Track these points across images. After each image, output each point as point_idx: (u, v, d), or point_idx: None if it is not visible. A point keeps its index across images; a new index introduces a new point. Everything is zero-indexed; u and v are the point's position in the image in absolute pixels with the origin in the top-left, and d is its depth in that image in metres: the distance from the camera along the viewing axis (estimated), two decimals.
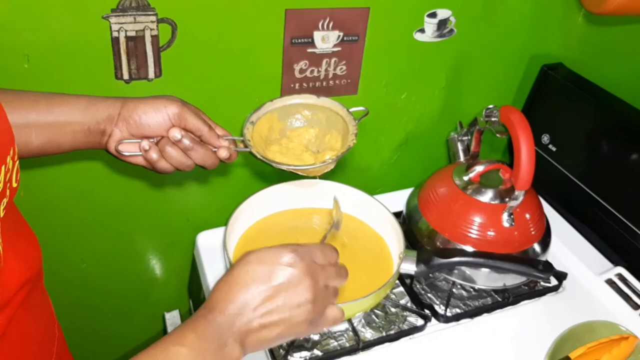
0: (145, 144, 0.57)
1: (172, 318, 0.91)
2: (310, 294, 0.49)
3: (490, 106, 0.80)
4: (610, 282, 0.84)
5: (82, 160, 0.77)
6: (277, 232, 0.83)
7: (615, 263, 0.87)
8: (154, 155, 0.58)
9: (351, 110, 0.69)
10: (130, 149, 0.58)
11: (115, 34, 0.68)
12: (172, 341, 0.44)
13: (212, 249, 0.86)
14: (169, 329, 0.90)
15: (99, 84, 0.71)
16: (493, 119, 0.81)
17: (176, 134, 0.58)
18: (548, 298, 0.83)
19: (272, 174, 0.91)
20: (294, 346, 0.72)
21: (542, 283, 0.84)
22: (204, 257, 0.85)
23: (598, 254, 0.89)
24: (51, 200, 0.80)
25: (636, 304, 0.80)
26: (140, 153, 0.58)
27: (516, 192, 0.75)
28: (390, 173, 1.01)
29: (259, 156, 0.63)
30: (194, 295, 0.91)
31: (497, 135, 0.78)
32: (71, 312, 0.94)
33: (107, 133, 0.57)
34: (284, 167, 0.65)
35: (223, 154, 0.62)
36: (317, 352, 0.72)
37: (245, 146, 0.64)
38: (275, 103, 0.69)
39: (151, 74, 0.74)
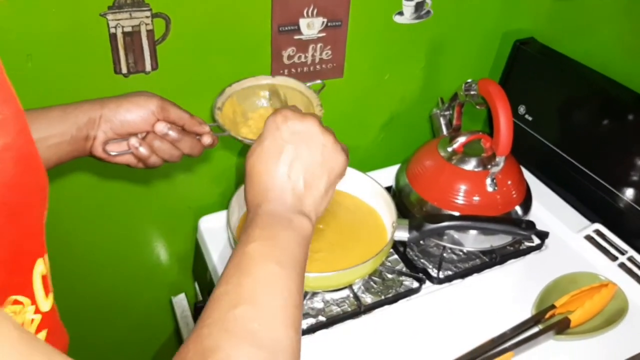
0: (134, 141, 0.58)
1: (180, 301, 0.95)
2: (319, 132, 0.51)
3: (469, 80, 0.86)
4: (589, 238, 0.90)
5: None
6: None
7: (593, 220, 0.93)
8: (144, 151, 0.59)
9: (308, 84, 0.72)
10: (118, 149, 0.59)
11: (112, 30, 0.72)
12: (244, 243, 0.45)
13: (214, 232, 0.90)
14: (177, 312, 0.94)
15: (99, 78, 0.75)
16: (472, 92, 0.86)
17: (163, 127, 0.59)
18: (532, 256, 0.89)
19: None
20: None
21: (526, 243, 0.90)
22: (207, 239, 0.89)
23: (576, 213, 0.95)
24: (57, 193, 0.83)
25: (614, 255, 0.87)
26: (129, 150, 0.59)
27: (497, 159, 0.80)
28: (377, 151, 1.06)
29: (239, 137, 0.64)
30: (199, 278, 0.96)
31: (477, 107, 0.84)
32: (78, 304, 0.98)
33: (91, 137, 0.57)
34: None
35: (207, 140, 0.63)
36: (322, 318, 0.77)
37: (223, 130, 0.65)
38: (234, 87, 0.70)
39: (148, 67, 0.77)
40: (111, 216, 0.90)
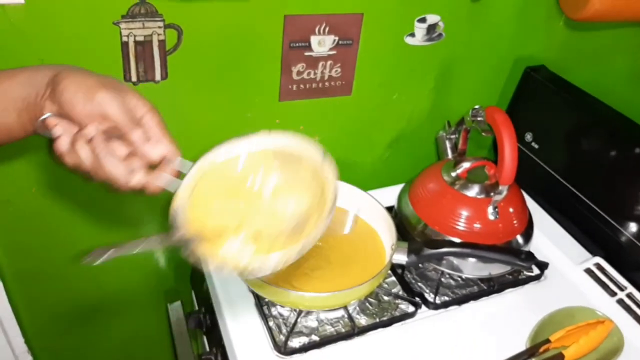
0: (58, 128, 0.46)
1: (175, 309, 0.95)
2: None
3: (477, 107, 0.85)
4: (589, 271, 0.89)
5: None
6: None
7: (594, 253, 0.92)
8: (63, 144, 0.47)
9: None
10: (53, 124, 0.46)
11: (124, 39, 0.73)
12: None
13: None
14: (172, 319, 0.94)
15: None
16: (479, 119, 0.86)
17: (92, 130, 0.46)
18: (531, 286, 0.88)
19: None
20: (293, 332, 0.77)
21: (525, 272, 0.90)
22: None
23: (578, 245, 0.95)
24: (60, 197, 0.84)
25: (613, 291, 0.86)
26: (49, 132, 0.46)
27: (500, 187, 0.80)
28: (382, 170, 1.06)
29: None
30: (196, 287, 0.96)
31: (483, 134, 0.84)
32: (75, 306, 0.98)
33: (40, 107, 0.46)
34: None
35: (134, 179, 0.49)
36: (314, 337, 0.77)
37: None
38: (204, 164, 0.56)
39: (158, 77, 0.78)
40: (107, 218, 0.90)
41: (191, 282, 1.00)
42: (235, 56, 0.80)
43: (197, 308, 0.96)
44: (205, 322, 0.87)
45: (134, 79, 0.76)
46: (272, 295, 0.76)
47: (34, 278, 0.90)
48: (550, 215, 1.00)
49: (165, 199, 0.67)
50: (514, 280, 0.88)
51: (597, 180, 0.93)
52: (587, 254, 0.93)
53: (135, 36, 0.73)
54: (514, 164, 0.77)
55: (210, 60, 0.79)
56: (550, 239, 0.95)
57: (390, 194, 1.01)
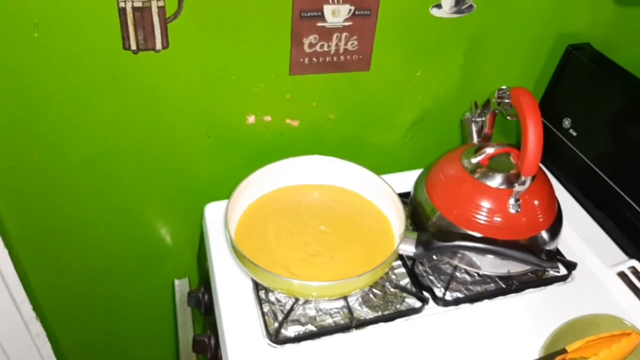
0: None
1: (181, 285, 0.93)
2: None
3: (503, 87, 0.77)
4: (622, 275, 0.81)
5: (90, 127, 0.79)
6: (282, 205, 0.84)
7: (630, 255, 0.83)
8: None
9: None
10: None
11: (122, 4, 0.69)
12: None
13: (218, 221, 0.87)
14: (177, 296, 0.92)
15: (108, 53, 0.72)
16: (505, 101, 0.78)
17: None
18: (555, 287, 0.80)
19: (281, 148, 0.91)
20: (289, 320, 0.73)
21: (551, 272, 0.82)
22: (210, 228, 0.86)
23: (612, 245, 0.86)
24: (62, 166, 0.82)
25: None
26: None
27: (522, 178, 0.72)
28: (403, 152, 0.99)
29: None
30: (201, 263, 0.94)
31: (507, 117, 0.76)
32: (85, 274, 0.98)
33: None
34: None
35: None
36: (310, 327, 0.73)
37: None
38: None
39: (158, 45, 0.74)
40: (120, 191, 0.89)
41: (198, 259, 0.98)
42: (240, 26, 0.75)
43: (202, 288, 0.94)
44: (204, 302, 0.84)
45: (133, 47, 0.73)
46: (266, 280, 0.72)
47: (41, 244, 0.90)
48: (585, 210, 0.91)
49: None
50: (537, 280, 0.80)
51: (639, 176, 0.83)
52: (622, 256, 0.84)
53: (132, 2, 0.69)
54: (538, 153, 0.69)
55: (214, 30, 0.75)
56: (581, 236, 0.86)
57: (409, 179, 0.95)
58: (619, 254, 0.85)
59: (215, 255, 0.82)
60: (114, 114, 0.79)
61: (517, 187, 0.73)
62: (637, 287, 0.79)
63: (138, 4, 0.70)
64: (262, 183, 0.84)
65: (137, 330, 1.12)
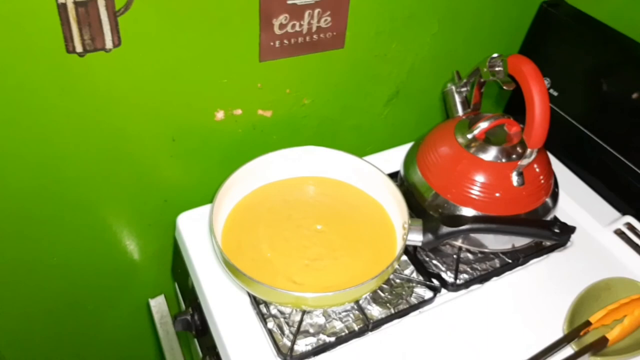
0: None
1: (158, 304, 0.84)
2: None
3: (495, 55, 0.73)
4: (619, 233, 0.80)
5: (37, 145, 0.68)
6: (268, 207, 0.76)
7: (623, 212, 0.83)
8: None
9: None
10: None
11: (61, 0, 0.57)
12: None
13: (194, 231, 0.78)
14: (155, 317, 0.83)
15: (49, 59, 0.60)
16: (497, 69, 0.74)
17: None
18: (557, 254, 0.79)
19: (254, 142, 0.83)
20: (299, 332, 0.67)
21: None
22: (187, 240, 0.77)
23: (605, 204, 0.85)
24: (8, 193, 0.70)
25: None
26: None
27: (528, 151, 0.69)
28: (380, 130, 0.94)
29: None
30: (180, 283, 0.85)
31: (504, 87, 0.71)
32: (50, 310, 0.86)
33: None
34: None
35: None
36: (323, 336, 0.67)
37: None
38: None
39: (109, 44, 0.63)
40: (74, 214, 0.77)
41: (173, 274, 0.89)
42: (202, 12, 0.65)
43: (182, 305, 0.85)
44: (195, 324, 0.76)
45: (78, 49, 0.61)
46: (268, 295, 0.65)
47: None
48: (573, 172, 0.90)
49: None
50: (538, 250, 0.78)
51: (624, 129, 0.82)
52: (616, 213, 0.84)
53: None
54: (545, 124, 0.66)
55: (172, 19, 0.64)
56: (573, 197, 0.85)
57: (390, 158, 0.90)
58: (613, 212, 0.84)
59: (201, 270, 0.74)
60: (64, 128, 0.67)
61: (522, 161, 0.70)
62: (635, 243, 0.79)
63: None
64: (242, 184, 0.76)
65: (112, 358, 1.01)
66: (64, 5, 0.58)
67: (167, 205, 0.82)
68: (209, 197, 0.82)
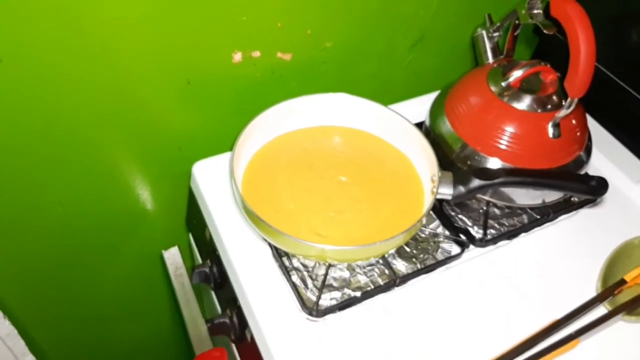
0: None
1: (172, 256, 0.81)
2: None
3: None
4: None
5: (44, 86, 0.62)
6: (288, 157, 0.72)
7: None
8: None
9: None
10: None
11: None
12: None
13: (212, 180, 0.74)
14: (170, 269, 0.80)
15: None
16: (535, 11, 0.69)
17: None
18: (586, 210, 0.76)
19: (272, 87, 0.78)
20: (324, 285, 0.64)
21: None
22: (204, 189, 0.73)
23: (635, 159, 0.82)
24: (16, 137, 0.66)
25: None
26: None
27: (569, 100, 0.65)
28: (401, 78, 0.89)
29: None
30: (195, 231, 0.81)
31: (545, 30, 0.66)
32: (57, 257, 0.83)
33: None
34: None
35: None
36: (348, 290, 0.65)
37: None
38: None
39: None
40: (83, 157, 0.73)
41: (187, 225, 0.85)
42: None
43: (198, 257, 0.82)
44: (213, 276, 0.73)
45: None
46: (293, 247, 0.62)
47: None
48: (602, 125, 0.86)
49: None
50: (567, 205, 0.75)
51: None
52: None
53: None
54: (590, 71, 0.61)
55: None
56: (604, 153, 0.82)
57: (412, 108, 0.85)
58: None
59: (219, 221, 0.70)
60: (70, 66, 0.62)
61: (561, 111, 0.66)
62: None
63: None
64: (262, 132, 0.72)
65: (125, 312, 0.99)
66: None
67: (181, 152, 0.78)
68: (223, 146, 0.78)
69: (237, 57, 0.72)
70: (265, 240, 0.67)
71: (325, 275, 0.65)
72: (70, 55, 0.61)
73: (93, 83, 0.65)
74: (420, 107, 0.84)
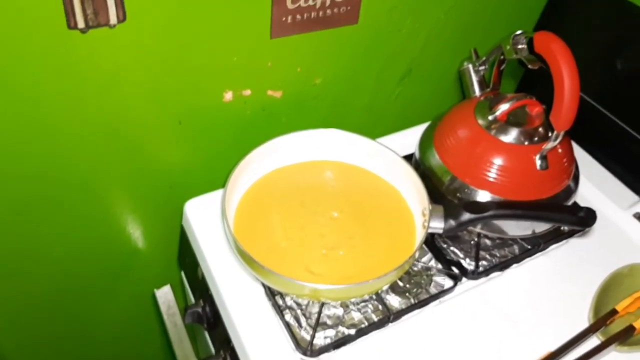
0: None
1: (164, 295, 0.80)
2: None
3: (518, 32, 0.69)
4: (638, 217, 0.79)
5: (37, 129, 0.63)
6: (280, 194, 0.72)
7: None
8: None
9: None
10: None
11: None
12: None
13: (203, 218, 0.74)
14: (162, 307, 0.80)
15: (50, 35, 0.55)
16: (520, 47, 0.70)
17: None
18: (576, 240, 0.77)
19: (263, 124, 0.79)
20: (319, 323, 0.64)
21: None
22: (196, 228, 0.73)
23: (623, 187, 0.83)
24: (10, 182, 0.66)
25: None
26: None
27: (555, 133, 0.66)
28: (391, 111, 0.90)
29: None
30: (188, 269, 0.81)
31: (529, 66, 0.68)
32: (49, 301, 0.82)
33: None
34: None
35: None
36: (342, 328, 0.65)
37: None
38: None
39: (113, 19, 0.58)
40: (76, 202, 0.73)
41: (179, 264, 0.85)
42: None
43: (190, 295, 0.82)
44: (206, 316, 0.73)
45: (80, 24, 0.56)
46: (286, 287, 0.61)
47: None
48: (589, 153, 0.88)
49: None
50: (557, 235, 0.76)
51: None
52: (634, 196, 0.82)
53: None
54: (575, 106, 0.62)
55: None
56: (590, 180, 0.83)
57: (402, 140, 0.86)
58: (630, 195, 0.82)
59: (212, 260, 0.70)
60: (64, 109, 0.62)
61: (548, 144, 0.67)
62: None
63: None
64: (253, 170, 0.72)
65: (118, 352, 0.98)
66: None
67: (173, 191, 0.78)
68: (215, 183, 0.78)
69: (228, 96, 0.72)
70: (259, 279, 0.66)
71: (319, 313, 0.64)
72: (64, 99, 0.61)
73: (87, 128, 0.65)
74: (410, 138, 0.85)
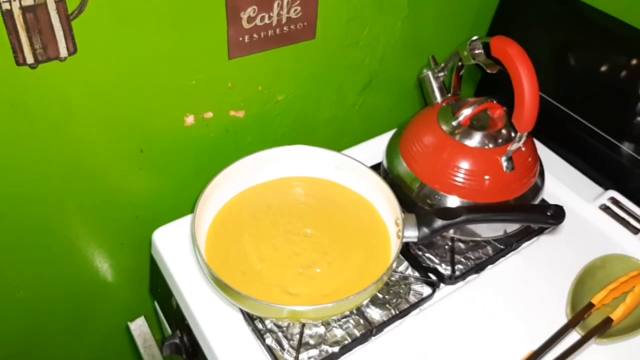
0: None
1: (139, 327, 0.78)
2: None
3: (474, 38, 0.70)
4: (604, 208, 0.80)
5: None
6: (250, 214, 0.71)
7: (606, 186, 0.83)
8: None
9: None
10: None
11: (5, 6, 0.50)
12: None
13: (173, 246, 0.72)
14: (137, 340, 0.77)
15: None
16: (477, 52, 0.71)
17: None
18: (546, 236, 0.78)
19: (228, 145, 0.78)
20: (301, 344, 0.63)
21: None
22: (166, 257, 0.71)
23: (586, 180, 0.85)
24: None
25: (635, 227, 0.78)
26: None
27: (518, 134, 0.67)
28: (355, 121, 0.90)
29: None
30: (161, 299, 0.79)
31: (488, 70, 0.69)
32: (16, 343, 0.79)
33: None
34: None
35: None
36: (325, 347, 0.64)
37: None
38: None
39: (63, 52, 0.56)
40: (40, 239, 0.70)
41: (152, 293, 0.82)
42: (164, 10, 0.59)
43: (166, 325, 0.79)
44: (185, 347, 0.71)
45: (29, 60, 0.54)
46: (264, 312, 0.60)
47: None
48: (550, 149, 0.89)
49: None
50: (528, 233, 0.77)
51: (599, 101, 0.82)
52: (598, 189, 0.84)
53: (20, 1, 0.51)
54: (535, 106, 0.63)
55: (132, 20, 0.58)
56: (555, 175, 0.84)
57: (368, 149, 0.86)
58: (594, 188, 0.84)
59: (185, 289, 0.68)
60: (17, 147, 0.60)
61: (512, 145, 0.68)
62: (621, 217, 0.79)
63: (28, 2, 0.51)
64: (221, 192, 0.71)
65: None
66: (10, 12, 0.51)
67: (139, 221, 0.76)
68: (183, 210, 0.76)
69: (190, 120, 0.71)
70: (235, 305, 0.65)
71: (301, 333, 0.63)
72: (17, 138, 0.59)
73: (43, 165, 0.63)
74: (376, 148, 0.85)
